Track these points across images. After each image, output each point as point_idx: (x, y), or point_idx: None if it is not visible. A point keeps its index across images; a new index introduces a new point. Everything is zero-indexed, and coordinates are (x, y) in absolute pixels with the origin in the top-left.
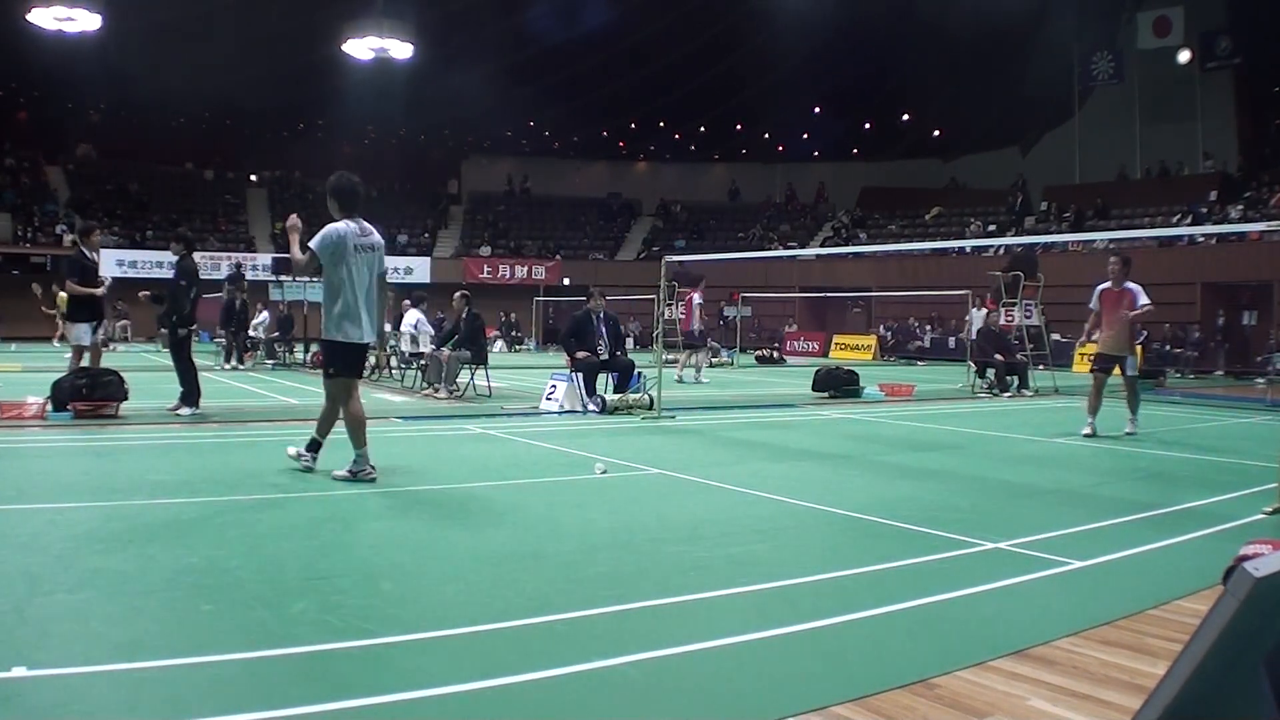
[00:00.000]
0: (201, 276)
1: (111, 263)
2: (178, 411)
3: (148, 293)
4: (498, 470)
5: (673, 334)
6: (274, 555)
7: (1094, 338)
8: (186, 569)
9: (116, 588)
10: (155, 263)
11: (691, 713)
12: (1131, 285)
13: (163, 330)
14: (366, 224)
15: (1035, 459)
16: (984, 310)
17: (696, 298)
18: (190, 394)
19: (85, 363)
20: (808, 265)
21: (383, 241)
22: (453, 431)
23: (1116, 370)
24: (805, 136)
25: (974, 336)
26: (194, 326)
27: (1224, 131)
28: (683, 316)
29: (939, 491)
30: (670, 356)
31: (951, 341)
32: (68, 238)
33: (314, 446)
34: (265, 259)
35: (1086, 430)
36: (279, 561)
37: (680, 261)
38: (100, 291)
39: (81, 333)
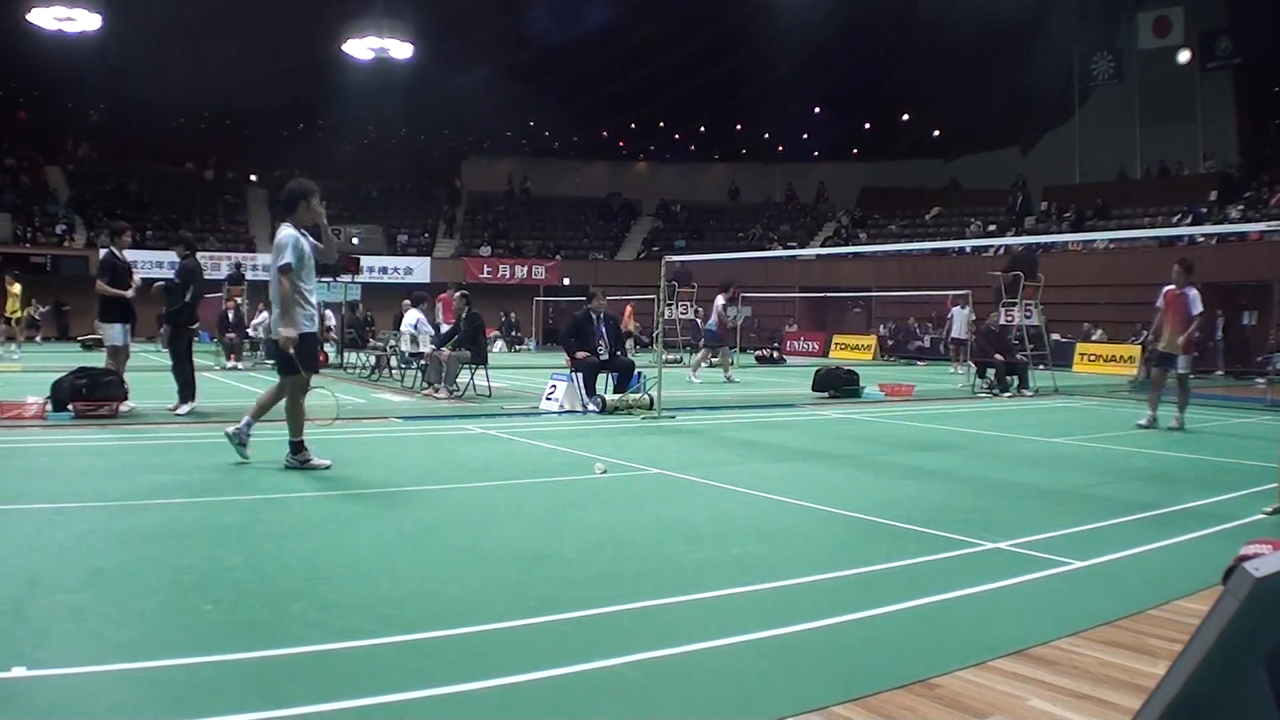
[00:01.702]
0: (203, 276)
1: None
2: (177, 411)
3: (161, 283)
4: (498, 470)
5: (672, 334)
6: (274, 555)
7: (1158, 337)
8: (186, 569)
9: (116, 588)
10: (156, 263)
11: (691, 713)
12: (1190, 291)
13: (162, 329)
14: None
15: (1035, 459)
16: (966, 309)
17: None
18: (186, 393)
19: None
20: (808, 265)
21: (280, 240)
22: (453, 431)
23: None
24: (805, 136)
25: (957, 335)
26: (195, 326)
27: (1224, 131)
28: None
29: (939, 492)
30: (669, 357)
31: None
32: (69, 239)
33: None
34: (265, 258)
35: (1143, 421)
36: (279, 561)
37: (681, 262)
38: (129, 294)
39: (115, 333)
